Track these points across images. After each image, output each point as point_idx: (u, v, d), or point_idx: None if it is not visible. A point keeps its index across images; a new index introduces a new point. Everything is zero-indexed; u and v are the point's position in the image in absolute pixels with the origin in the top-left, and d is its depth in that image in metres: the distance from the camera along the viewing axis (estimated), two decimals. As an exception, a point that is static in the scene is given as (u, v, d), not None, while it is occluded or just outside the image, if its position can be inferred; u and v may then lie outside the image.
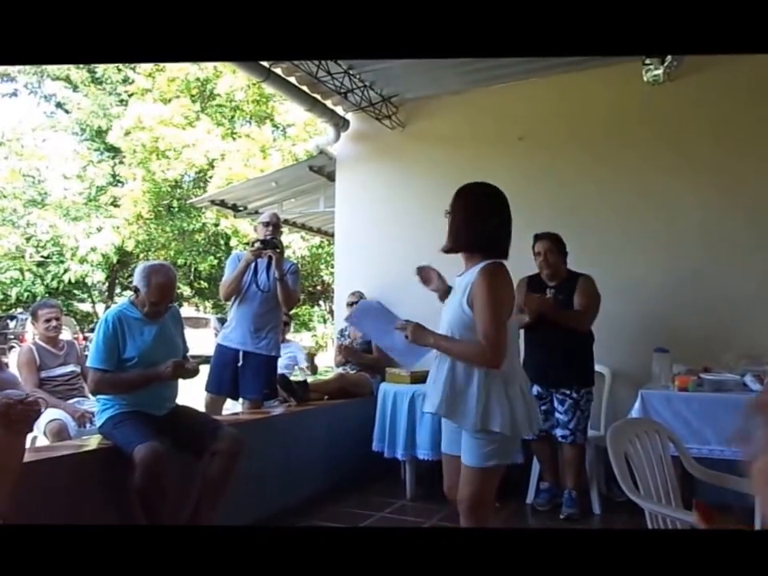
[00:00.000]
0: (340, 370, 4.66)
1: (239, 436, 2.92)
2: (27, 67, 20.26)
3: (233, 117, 17.17)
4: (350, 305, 4.71)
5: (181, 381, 2.98)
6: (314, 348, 13.03)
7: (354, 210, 5.19)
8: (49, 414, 3.49)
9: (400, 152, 5.08)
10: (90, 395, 3.98)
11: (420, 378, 4.11)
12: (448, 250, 2.27)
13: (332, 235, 6.08)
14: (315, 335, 20.09)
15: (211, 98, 16.74)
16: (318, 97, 4.80)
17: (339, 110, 5.07)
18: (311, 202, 6.56)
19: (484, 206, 2.23)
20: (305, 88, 4.64)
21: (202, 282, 18.88)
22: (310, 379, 4.75)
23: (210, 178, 15.53)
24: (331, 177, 5.46)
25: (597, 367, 3.85)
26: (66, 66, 19.81)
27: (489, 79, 4.52)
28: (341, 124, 5.10)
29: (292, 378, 4.43)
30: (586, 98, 4.47)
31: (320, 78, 4.42)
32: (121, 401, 2.83)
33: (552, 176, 4.51)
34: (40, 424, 3.42)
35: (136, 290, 2.90)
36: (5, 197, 18.79)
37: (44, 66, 19.20)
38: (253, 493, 3.17)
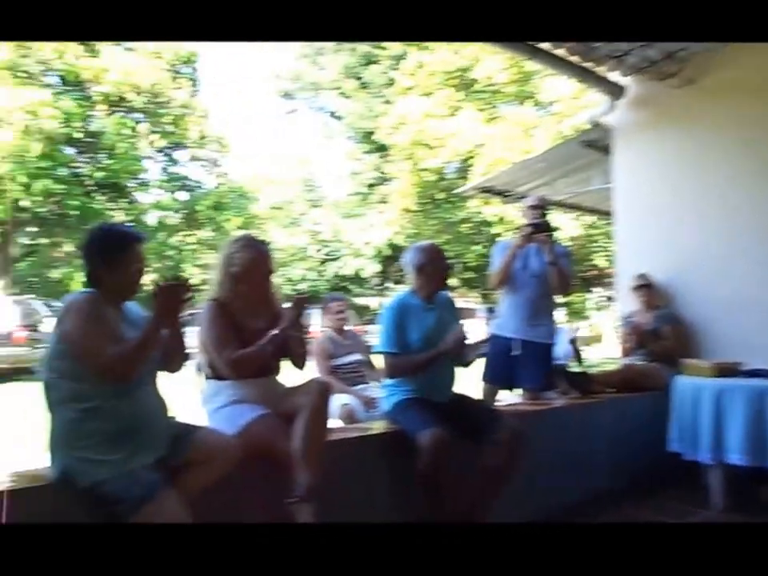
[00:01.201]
0: (627, 360, 4.26)
1: (520, 427, 2.79)
2: (304, 85, 22.72)
3: (494, 100, 17.14)
4: (638, 288, 4.30)
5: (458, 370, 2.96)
6: (589, 338, 12.37)
7: (638, 183, 4.71)
8: (340, 399, 3.72)
9: (690, 113, 4.46)
10: (373, 382, 4.20)
11: (726, 370, 3.55)
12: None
13: (607, 214, 5.62)
14: (590, 324, 19.17)
15: (472, 84, 16.90)
16: (590, 65, 4.45)
17: (614, 76, 4.64)
18: (583, 180, 6.18)
19: None
20: (574, 59, 4.33)
21: (469, 272, 19.25)
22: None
23: (473, 165, 15.71)
24: (607, 150, 5.04)
25: None
26: (337, 79, 21.84)
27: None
28: (616, 92, 4.68)
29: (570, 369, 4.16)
30: None
31: (592, 46, 4.08)
32: (405, 387, 2.90)
33: None
34: (333, 408, 3.67)
35: (416, 271, 2.94)
36: (291, 202, 21.35)
37: (318, 82, 21.31)
38: (523, 487, 2.98)
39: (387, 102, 19.20)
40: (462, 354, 2.94)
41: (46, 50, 14.95)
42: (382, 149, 19.04)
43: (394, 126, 16.85)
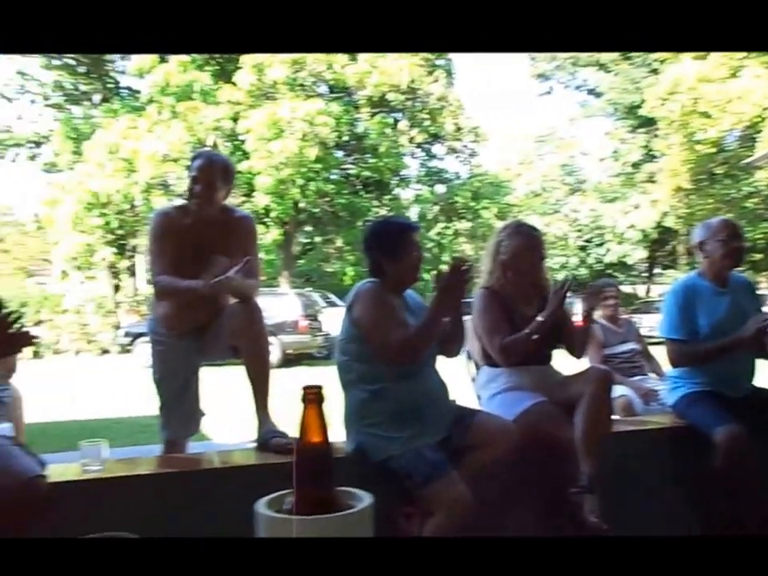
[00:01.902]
0: None
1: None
2: (561, 63, 21.86)
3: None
4: None
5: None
6: None
7: None
8: (616, 390, 3.51)
9: None
10: (651, 373, 3.89)
11: None
12: None
13: None
14: None
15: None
16: None
17: None
18: None
19: None
20: None
21: (755, 254, 16.94)
22: None
23: (761, 132, 13.70)
24: None
25: None
26: (595, 54, 20.68)
27: None
28: None
29: None
30: None
31: None
32: (694, 379, 2.65)
33: None
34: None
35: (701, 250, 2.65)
36: (548, 190, 20.81)
37: (577, 56, 20.34)
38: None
39: (653, 71, 17.67)
40: (763, 345, 2.56)
41: (317, 63, 16.61)
42: (647, 123, 17.60)
43: (663, 97, 15.41)
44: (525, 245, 2.49)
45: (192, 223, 2.48)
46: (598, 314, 4.07)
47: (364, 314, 2.07)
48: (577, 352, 2.56)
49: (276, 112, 15.17)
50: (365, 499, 0.82)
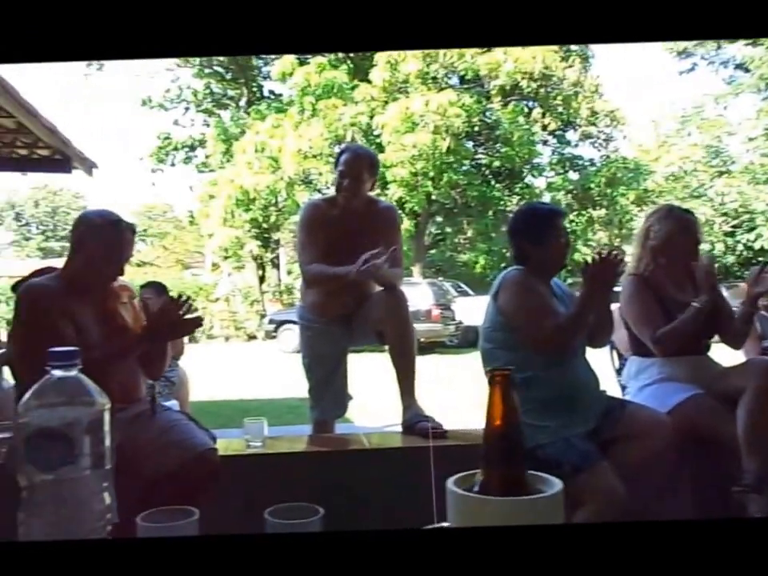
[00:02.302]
0: None
1: None
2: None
3: None
4: None
5: None
6: None
7: None
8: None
9: None
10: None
11: None
12: None
13: None
14: None
15: None
16: None
17: None
18: None
19: None
20: None
21: None
22: None
23: None
24: None
25: None
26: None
27: None
28: None
29: None
30: None
31: None
32: None
33: None
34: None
35: None
36: (690, 173, 19.31)
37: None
38: None
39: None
40: None
41: (449, 54, 16.57)
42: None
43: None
44: (678, 228, 2.37)
45: (340, 214, 2.59)
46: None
47: (511, 301, 2.07)
48: (736, 342, 2.39)
49: (409, 106, 15.34)
50: (555, 485, 0.82)
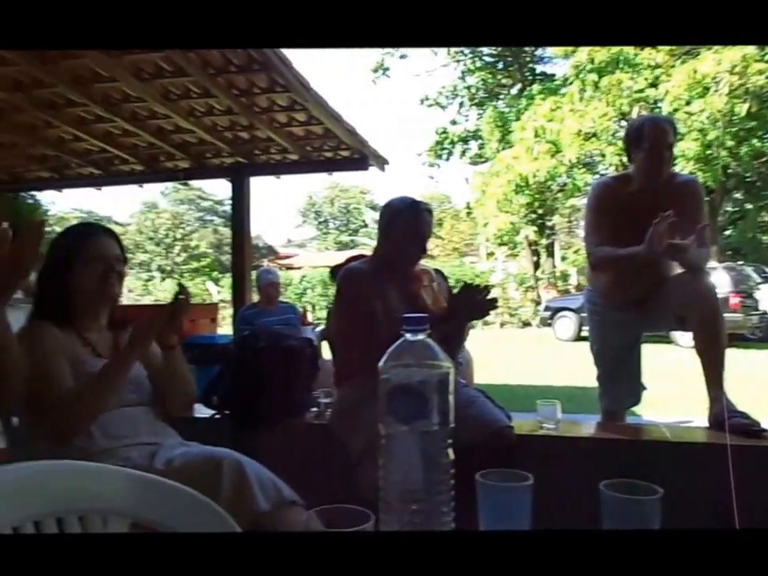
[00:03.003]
0: None
1: None
2: None
3: None
4: None
5: None
6: None
7: None
8: None
9: None
10: None
11: None
12: None
13: None
14: None
15: None
16: None
17: None
18: None
19: None
20: None
21: None
22: None
23: None
24: None
25: None
26: None
27: None
28: None
29: None
30: None
31: None
32: None
33: None
34: None
35: None
36: None
37: None
38: None
39: None
40: None
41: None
42: None
43: None
44: None
45: (633, 192, 2.44)
46: None
47: None
48: None
49: (698, 68, 13.71)
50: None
